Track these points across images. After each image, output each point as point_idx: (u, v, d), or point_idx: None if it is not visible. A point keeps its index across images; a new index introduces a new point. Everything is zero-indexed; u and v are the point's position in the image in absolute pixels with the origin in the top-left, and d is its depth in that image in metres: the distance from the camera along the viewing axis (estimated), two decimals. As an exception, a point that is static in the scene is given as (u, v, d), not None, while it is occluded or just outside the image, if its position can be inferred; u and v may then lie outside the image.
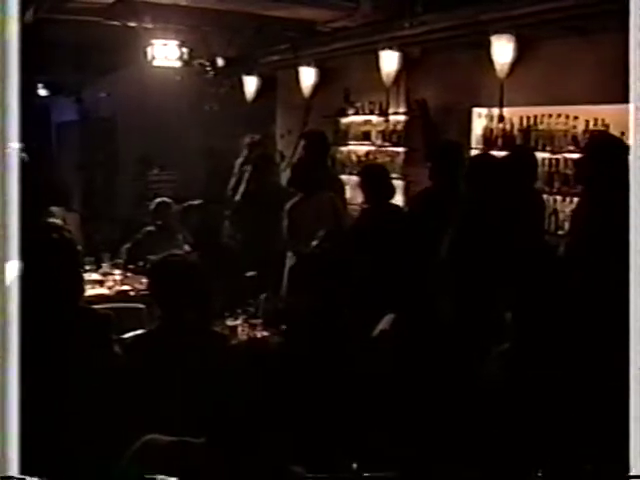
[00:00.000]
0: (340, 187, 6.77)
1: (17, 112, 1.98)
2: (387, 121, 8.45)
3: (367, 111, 8.72)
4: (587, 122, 6.21)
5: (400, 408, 3.02)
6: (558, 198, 6.40)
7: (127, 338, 3.45)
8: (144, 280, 5.79)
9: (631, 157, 2.06)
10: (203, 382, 2.09)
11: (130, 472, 1.98)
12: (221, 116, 10.22)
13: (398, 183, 7.54)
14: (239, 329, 4.48)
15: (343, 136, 9.11)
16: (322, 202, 6.01)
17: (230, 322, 4.50)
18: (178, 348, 3.07)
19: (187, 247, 6.49)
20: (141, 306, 5.29)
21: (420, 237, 4.82)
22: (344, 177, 7.75)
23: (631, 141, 2.08)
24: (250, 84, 10.03)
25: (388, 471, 2.38)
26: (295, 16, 7.45)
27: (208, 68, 9.66)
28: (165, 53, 8.23)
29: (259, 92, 10.06)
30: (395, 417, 2.99)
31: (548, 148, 6.52)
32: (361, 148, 8.90)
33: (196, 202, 7.98)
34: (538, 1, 5.96)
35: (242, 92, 10.05)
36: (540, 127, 6.65)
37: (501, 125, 6.98)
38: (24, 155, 11.84)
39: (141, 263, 6.20)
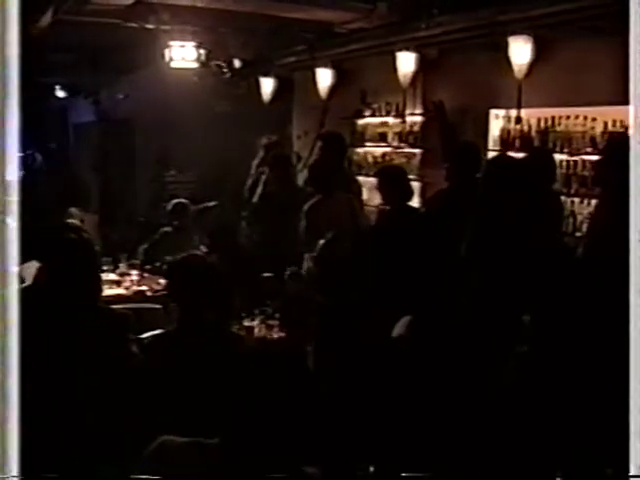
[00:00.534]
0: (357, 188, 6.77)
1: (17, 113, 2.00)
2: (404, 122, 8.44)
3: (384, 112, 8.72)
4: (605, 123, 6.18)
5: (416, 411, 3.01)
6: (576, 200, 6.37)
7: (145, 338, 3.46)
8: (161, 280, 5.83)
9: (631, 158, 2.05)
10: (220, 382, 2.09)
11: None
12: (238, 117, 10.24)
13: (414, 184, 7.53)
14: (256, 329, 4.50)
15: (360, 137, 9.12)
16: (340, 203, 6.01)
17: (247, 323, 4.52)
18: (196, 348, 3.08)
19: (204, 248, 6.51)
20: (158, 306, 5.32)
21: (438, 239, 4.81)
22: (361, 178, 7.75)
23: (632, 142, 2.08)
24: (267, 85, 10.05)
25: (406, 474, 2.38)
26: (312, 17, 7.45)
27: (225, 69, 9.68)
28: (183, 54, 8.24)
29: (276, 93, 10.08)
30: (410, 419, 2.98)
31: (566, 150, 6.49)
32: (378, 149, 8.90)
33: (213, 203, 8.02)
34: (556, 1, 5.93)
35: (259, 93, 10.07)
36: (558, 128, 6.62)
37: (518, 126, 6.95)
38: (38, 156, 11.93)
39: (158, 264, 6.23)
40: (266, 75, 9.92)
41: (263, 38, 8.48)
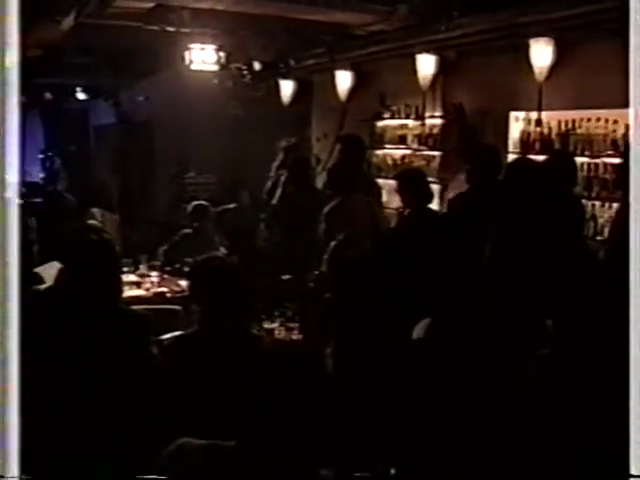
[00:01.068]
0: (377, 191, 6.77)
1: (17, 114, 2.01)
2: (423, 125, 8.42)
3: (403, 115, 8.71)
4: (627, 126, 6.13)
5: (435, 414, 3.01)
6: (597, 203, 6.33)
7: (165, 339, 3.48)
8: (180, 282, 5.86)
9: (631, 159, 2.04)
10: (240, 384, 2.10)
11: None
12: (257, 120, 10.27)
13: (434, 187, 7.52)
14: (276, 331, 4.51)
15: (379, 140, 9.11)
16: (360, 206, 6.01)
17: (267, 325, 4.53)
18: (216, 350, 3.09)
19: (223, 250, 6.54)
20: (178, 308, 5.34)
21: (458, 241, 4.80)
22: (380, 181, 7.75)
23: (632, 143, 2.07)
24: (286, 88, 10.07)
25: (427, 476, 2.37)
26: (331, 20, 7.45)
27: (245, 72, 9.71)
28: (203, 57, 8.29)
29: (295, 96, 10.10)
30: (430, 422, 2.98)
31: (587, 152, 6.45)
32: (397, 152, 8.89)
33: (232, 205, 8.05)
34: (577, 3, 5.90)
35: (278, 96, 10.10)
36: (579, 131, 6.58)
37: (539, 129, 6.92)
38: (58, 159, 12.02)
39: (178, 265, 6.26)
40: (285, 77, 9.94)
41: (283, 41, 8.49)
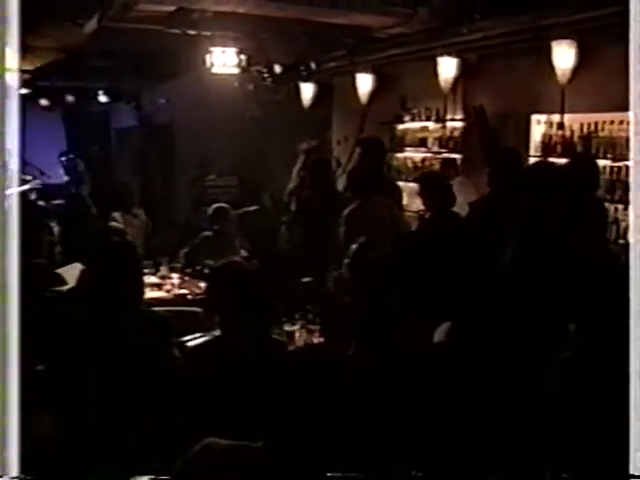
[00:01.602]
0: (398, 193, 6.76)
1: (17, 117, 2.03)
2: (444, 127, 8.41)
3: (424, 117, 8.69)
4: (650, 129, 6.08)
5: (456, 417, 3.00)
6: (620, 207, 6.28)
7: (189, 344, 3.48)
8: (201, 284, 5.88)
9: (631, 159, 2.03)
10: (262, 386, 2.10)
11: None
12: (278, 122, 10.30)
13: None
14: (297, 334, 4.50)
15: (399, 142, 9.10)
16: (380, 208, 6.00)
17: (288, 327, 4.52)
18: (237, 353, 3.09)
19: (244, 252, 6.55)
20: (198, 310, 5.35)
21: (480, 245, 4.78)
22: (400, 183, 7.73)
23: (632, 145, 2.06)
24: (307, 91, 10.09)
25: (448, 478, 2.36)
26: (352, 23, 7.46)
27: (266, 75, 9.75)
28: (223, 60, 8.34)
29: (316, 98, 10.12)
30: (452, 425, 2.97)
31: (609, 155, 6.40)
32: (417, 155, 8.87)
33: (253, 208, 8.07)
34: (599, 5, 5.86)
35: (299, 98, 10.11)
36: (601, 134, 6.54)
37: (561, 132, 6.88)
38: (80, 161, 12.13)
39: (198, 267, 6.28)
40: (306, 80, 9.96)
41: (303, 43, 8.51)
